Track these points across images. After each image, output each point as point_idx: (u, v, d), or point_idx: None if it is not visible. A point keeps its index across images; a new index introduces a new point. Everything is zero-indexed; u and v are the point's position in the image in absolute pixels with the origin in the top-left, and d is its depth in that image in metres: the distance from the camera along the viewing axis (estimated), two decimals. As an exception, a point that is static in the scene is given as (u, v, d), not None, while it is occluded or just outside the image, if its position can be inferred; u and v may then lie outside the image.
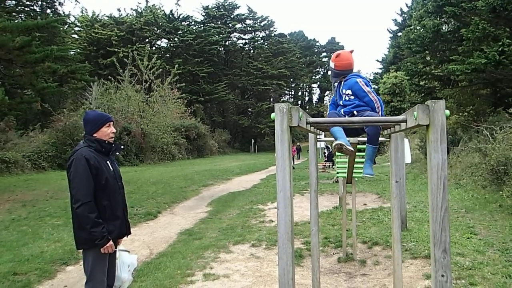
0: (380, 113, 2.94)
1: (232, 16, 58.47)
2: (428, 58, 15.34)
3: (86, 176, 3.02)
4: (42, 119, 23.68)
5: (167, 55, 50.47)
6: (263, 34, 62.03)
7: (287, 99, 73.56)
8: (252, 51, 60.62)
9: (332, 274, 5.05)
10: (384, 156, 24.62)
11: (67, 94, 24.60)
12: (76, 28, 44.25)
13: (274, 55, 57.38)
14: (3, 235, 7.02)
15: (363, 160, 5.47)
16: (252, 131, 53.96)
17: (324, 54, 79.36)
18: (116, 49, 43.09)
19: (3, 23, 11.43)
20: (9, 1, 19.63)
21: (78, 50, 38.10)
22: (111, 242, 3.08)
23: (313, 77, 79.06)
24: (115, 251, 3.29)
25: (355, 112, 2.98)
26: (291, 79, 66.18)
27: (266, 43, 60.82)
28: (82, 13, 46.84)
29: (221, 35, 54.65)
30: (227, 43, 58.57)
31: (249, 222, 8.10)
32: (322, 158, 23.72)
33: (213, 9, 56.90)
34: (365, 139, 3.20)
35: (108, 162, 3.26)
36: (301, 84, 78.25)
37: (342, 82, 3.09)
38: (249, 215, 8.93)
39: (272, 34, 62.10)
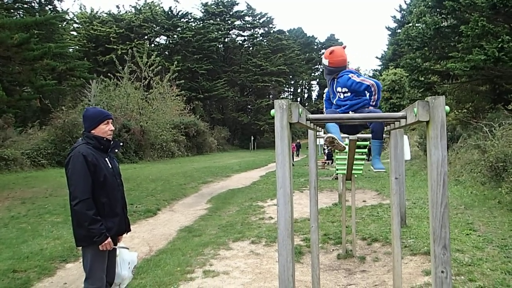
0: (376, 95, 2.86)
1: (231, 13, 58.32)
2: (427, 54, 15.32)
3: (83, 173, 3.02)
4: (41, 116, 23.63)
5: (166, 52, 50.35)
6: (262, 31, 61.98)
7: (286, 96, 73.51)
8: (251, 48, 60.50)
9: (332, 271, 5.05)
10: (384, 153, 24.61)
11: (66, 91, 24.54)
12: (75, 25, 44.15)
13: (273, 52, 57.32)
14: (2, 233, 7.01)
15: (362, 156, 5.50)
16: (251, 128, 53.94)
17: (323, 51, 78.90)
18: (115, 46, 43.02)
19: (1, 20, 11.38)
20: (7, -2, 19.55)
21: (77, 47, 37.99)
22: (109, 239, 3.07)
23: (312, 74, 78.96)
24: (115, 248, 3.28)
25: (351, 113, 2.96)
26: (290, 76, 66.16)
27: (265, 40, 60.74)
28: (81, 10, 46.84)
29: (220, 32, 54.54)
30: (226, 40, 58.49)
31: (249, 219, 8.11)
32: (322, 155, 23.72)
33: (212, 6, 56.76)
34: (365, 136, 3.19)
35: (106, 159, 3.25)
36: (300, 81, 78.22)
37: (336, 80, 3.05)
38: (248, 212, 8.94)
39: (271, 31, 62.03)
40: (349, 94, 2.98)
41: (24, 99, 14.16)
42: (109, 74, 30.38)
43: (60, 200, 10.02)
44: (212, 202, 10.62)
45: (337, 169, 6.77)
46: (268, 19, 61.11)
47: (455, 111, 15.86)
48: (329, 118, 2.66)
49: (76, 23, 44.61)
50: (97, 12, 48.25)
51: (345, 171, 5.36)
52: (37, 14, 20.74)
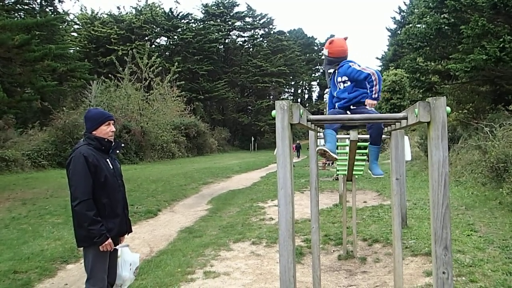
0: (377, 85, 2.82)
1: (231, 14, 58.37)
2: (428, 53, 15.31)
3: (84, 174, 3.02)
4: (41, 117, 23.62)
5: (166, 53, 50.41)
6: (263, 32, 62.03)
7: (287, 97, 73.49)
8: (251, 48, 60.54)
9: (333, 272, 5.05)
10: (384, 154, 24.61)
11: (66, 92, 24.50)
12: (76, 26, 44.19)
13: (273, 52, 57.34)
14: (3, 234, 7.01)
15: (363, 157, 5.49)
16: (251, 129, 53.95)
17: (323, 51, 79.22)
18: (115, 47, 43.03)
19: (3, 21, 11.39)
20: (8, -1, 19.58)
21: (78, 48, 38.03)
22: (109, 240, 3.07)
23: (313, 74, 78.93)
24: (116, 249, 3.28)
25: (351, 107, 2.95)
26: (291, 77, 66.14)
27: (265, 41, 60.77)
28: (82, 11, 46.84)
29: (220, 33, 54.58)
30: (226, 41, 58.53)
31: (249, 220, 8.10)
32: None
33: (212, 7, 56.81)
34: (366, 136, 3.18)
35: (108, 160, 3.25)
36: (301, 82, 78.18)
37: (337, 71, 3.02)
38: (249, 213, 8.93)
39: (272, 32, 62.06)
40: (348, 83, 2.95)
41: (25, 100, 14.16)
42: (109, 75, 30.42)
43: (60, 201, 10.02)
44: (212, 203, 10.62)
45: (337, 170, 6.77)
46: (269, 20, 61.19)
47: (455, 111, 15.84)
48: (329, 119, 2.66)
49: (77, 24, 44.66)
50: (97, 13, 48.32)
51: (345, 172, 5.36)
52: (37, 15, 20.78)
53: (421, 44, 14.63)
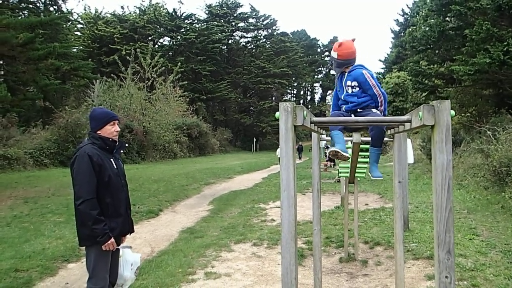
0: (382, 107, 2.88)
1: (235, 15, 58.48)
2: (432, 56, 15.31)
3: (88, 173, 3.03)
4: (44, 116, 23.70)
5: (169, 53, 50.48)
6: (266, 33, 62.09)
7: (289, 98, 73.48)
8: (254, 49, 60.59)
9: (334, 274, 5.04)
10: (386, 156, 24.57)
11: (69, 91, 24.62)
12: (79, 25, 44.35)
13: (276, 53, 57.37)
14: (5, 232, 7.03)
15: (365, 160, 5.48)
16: (254, 130, 53.97)
17: (326, 53, 79.19)
18: (119, 47, 43.16)
19: (7, 20, 11.44)
20: (13, -2, 19.66)
21: (81, 47, 38.18)
22: (112, 240, 3.07)
23: (315, 76, 78.96)
24: (118, 249, 3.28)
25: (358, 110, 2.95)
26: (293, 78, 66.14)
27: (268, 42, 60.83)
28: (85, 10, 46.99)
29: (223, 34, 54.66)
30: (229, 42, 58.60)
31: (251, 221, 8.09)
32: (324, 158, 23.67)
33: (216, 8, 56.91)
34: (368, 139, 3.17)
35: (112, 159, 3.25)
36: (303, 83, 78.22)
37: (346, 74, 3.00)
38: (250, 214, 8.93)
39: (275, 33, 62.13)
40: (357, 89, 2.95)
41: (28, 98, 14.23)
42: (112, 74, 30.50)
43: (62, 199, 10.04)
44: (214, 204, 10.61)
45: (339, 172, 6.76)
46: (272, 21, 61.28)
47: (458, 115, 15.82)
48: (333, 121, 2.65)
49: (81, 23, 44.81)
50: (101, 12, 48.52)
51: (347, 174, 5.35)
52: (41, 14, 20.85)
53: (424, 47, 14.64)
